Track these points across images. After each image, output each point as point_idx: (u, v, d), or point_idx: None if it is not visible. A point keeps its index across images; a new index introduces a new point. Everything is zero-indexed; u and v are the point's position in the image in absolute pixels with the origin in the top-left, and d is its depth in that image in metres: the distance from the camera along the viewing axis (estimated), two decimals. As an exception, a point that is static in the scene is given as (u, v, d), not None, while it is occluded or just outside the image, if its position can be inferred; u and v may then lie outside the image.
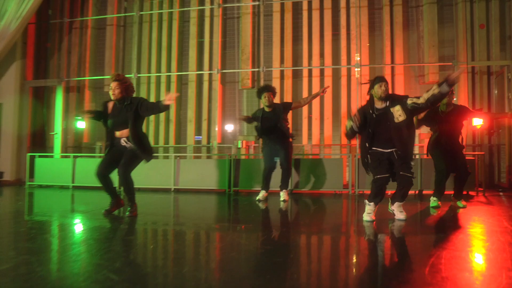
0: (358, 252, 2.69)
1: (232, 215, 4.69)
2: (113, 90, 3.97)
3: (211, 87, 8.33)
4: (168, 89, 8.47)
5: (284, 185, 5.44)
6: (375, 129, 3.75)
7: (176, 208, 5.27)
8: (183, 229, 3.66)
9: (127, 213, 4.05)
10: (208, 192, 6.63)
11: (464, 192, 5.57)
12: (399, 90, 7.57)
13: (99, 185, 4.08)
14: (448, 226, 3.76)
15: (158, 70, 8.54)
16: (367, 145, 3.80)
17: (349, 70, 7.80)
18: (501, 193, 6.26)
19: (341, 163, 6.50)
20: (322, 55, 7.92)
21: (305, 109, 7.83)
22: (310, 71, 7.96)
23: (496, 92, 7.23)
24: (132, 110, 3.93)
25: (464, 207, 4.72)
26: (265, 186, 5.52)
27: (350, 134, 3.91)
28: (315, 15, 7.99)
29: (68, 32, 9.12)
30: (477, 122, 6.80)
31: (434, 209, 4.65)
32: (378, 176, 3.75)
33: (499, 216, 4.12)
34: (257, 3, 8.02)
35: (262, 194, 5.51)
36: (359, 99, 7.28)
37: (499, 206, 4.97)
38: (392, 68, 7.67)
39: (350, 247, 2.90)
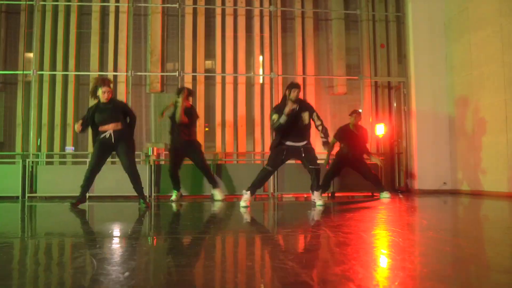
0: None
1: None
2: (106, 94, 5.10)
3: (116, 90, 8.49)
4: (64, 89, 8.38)
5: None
6: (289, 126, 5.25)
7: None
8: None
9: (143, 205, 5.27)
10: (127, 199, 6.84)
11: (369, 194, 7.03)
12: (311, 100, 8.71)
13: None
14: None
15: (53, 67, 8.41)
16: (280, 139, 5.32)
17: (263, 78, 8.74)
18: (400, 195, 7.71)
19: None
20: (235, 60, 8.72)
21: (218, 116, 8.52)
22: (223, 78, 8.69)
23: (395, 104, 8.88)
24: (120, 110, 5.24)
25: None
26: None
27: (278, 127, 5.27)
28: (229, 20, 8.80)
29: None
30: (380, 131, 8.28)
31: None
32: (271, 169, 5.37)
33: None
34: (174, 5, 8.50)
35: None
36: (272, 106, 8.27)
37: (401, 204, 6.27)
38: (304, 79, 8.83)
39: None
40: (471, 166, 7.48)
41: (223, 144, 8.52)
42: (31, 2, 8.27)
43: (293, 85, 5.41)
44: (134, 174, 5.21)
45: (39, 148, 8.17)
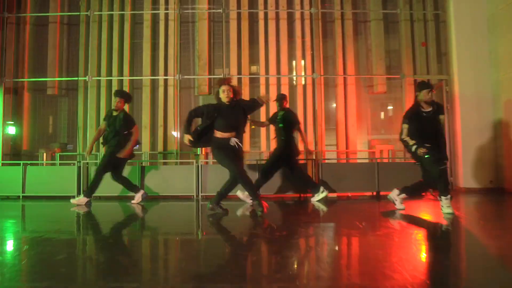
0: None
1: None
2: (226, 93, 4.73)
3: (167, 93, 8.70)
4: (119, 93, 8.64)
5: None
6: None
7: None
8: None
9: (259, 212, 4.78)
10: (176, 199, 7.01)
11: None
12: (351, 99, 8.63)
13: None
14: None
15: (109, 73, 8.69)
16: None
17: (305, 79, 8.70)
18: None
19: (305, 168, 7.30)
20: (278, 63, 8.73)
21: (262, 116, 8.56)
22: (267, 79, 8.72)
23: (435, 102, 8.63)
24: (242, 112, 4.82)
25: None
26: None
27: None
28: (271, 25, 8.80)
29: (2, 27, 8.89)
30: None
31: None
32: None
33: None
34: (219, 10, 8.62)
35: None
36: (316, 107, 8.24)
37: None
38: (345, 79, 8.72)
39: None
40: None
41: (268, 143, 8.55)
42: (85, 13, 8.58)
43: (424, 85, 4.93)
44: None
45: (97, 149, 8.48)
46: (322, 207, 5.78)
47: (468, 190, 7.62)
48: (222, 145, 4.75)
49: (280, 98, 6.67)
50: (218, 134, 4.79)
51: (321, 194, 6.38)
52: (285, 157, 6.35)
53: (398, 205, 5.22)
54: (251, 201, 5.12)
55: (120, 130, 6.07)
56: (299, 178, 6.50)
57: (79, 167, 7.27)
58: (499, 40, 7.66)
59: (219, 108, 4.80)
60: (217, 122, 4.77)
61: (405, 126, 4.96)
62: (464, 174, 7.75)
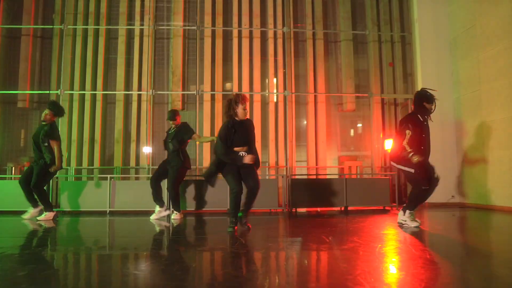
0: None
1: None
2: (246, 110, 4.81)
3: (140, 108, 8.55)
4: (92, 108, 8.45)
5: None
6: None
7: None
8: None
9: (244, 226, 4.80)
10: (148, 213, 6.80)
11: (381, 207, 6.90)
12: (321, 116, 8.69)
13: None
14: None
15: (82, 87, 8.49)
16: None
17: (277, 97, 8.72)
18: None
19: (275, 184, 7.24)
20: (251, 80, 8.73)
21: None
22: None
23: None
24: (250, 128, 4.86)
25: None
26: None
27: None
28: (245, 43, 8.82)
29: (-29, 39, 8.60)
30: (389, 146, 8.17)
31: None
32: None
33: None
34: (193, 28, 8.59)
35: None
36: (287, 124, 8.24)
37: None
38: (315, 97, 8.78)
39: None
40: (479, 180, 7.32)
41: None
42: (59, 27, 8.40)
43: (431, 98, 5.01)
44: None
45: (68, 163, 8.21)
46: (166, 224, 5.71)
47: (432, 205, 7.71)
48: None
49: (171, 116, 6.29)
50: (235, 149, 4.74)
51: (164, 212, 6.15)
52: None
53: (411, 224, 4.91)
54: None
55: (41, 141, 5.88)
56: (155, 191, 6.13)
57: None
58: (460, 62, 7.90)
59: (232, 124, 4.76)
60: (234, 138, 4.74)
61: (408, 132, 4.93)
62: (429, 189, 7.85)
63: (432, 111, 5.00)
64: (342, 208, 7.26)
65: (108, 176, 7.07)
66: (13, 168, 8.05)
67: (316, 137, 8.63)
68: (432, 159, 7.83)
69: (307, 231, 4.80)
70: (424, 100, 5.02)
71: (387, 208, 7.29)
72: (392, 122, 8.89)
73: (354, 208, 7.30)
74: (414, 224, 4.86)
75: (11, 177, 7.78)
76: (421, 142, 4.91)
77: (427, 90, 5.04)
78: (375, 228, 4.86)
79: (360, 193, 7.27)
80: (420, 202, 5.12)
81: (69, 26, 8.41)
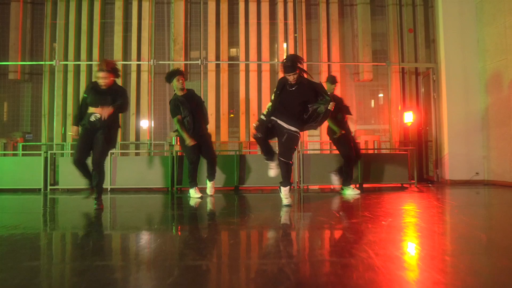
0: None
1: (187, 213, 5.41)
2: (103, 80, 4.75)
3: (140, 79, 8.84)
4: (88, 79, 8.76)
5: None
6: None
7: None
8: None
9: (95, 206, 4.76)
10: (149, 191, 7.19)
11: (399, 184, 7.20)
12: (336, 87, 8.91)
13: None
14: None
15: (77, 57, 8.78)
16: None
17: (287, 66, 8.93)
18: (430, 185, 7.87)
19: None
20: (259, 46, 8.94)
21: (242, 104, 8.77)
22: (247, 65, 8.92)
23: (423, 90, 8.99)
24: (113, 96, 4.78)
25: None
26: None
27: None
28: (252, 7, 8.99)
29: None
30: (408, 119, 8.41)
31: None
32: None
33: (431, 201, 5.48)
34: (195, -10, 8.79)
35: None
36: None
37: (429, 194, 6.43)
38: (329, 66, 8.99)
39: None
40: (505, 156, 7.54)
41: (247, 133, 8.77)
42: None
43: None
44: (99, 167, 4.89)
45: (64, 139, 8.58)
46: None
47: (454, 182, 7.99)
48: None
49: None
50: None
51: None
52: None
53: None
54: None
55: None
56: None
57: (46, 158, 7.37)
58: (486, 28, 8.01)
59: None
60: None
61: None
62: (450, 165, 8.12)
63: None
64: (357, 185, 7.56)
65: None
66: (5, 144, 8.45)
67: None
68: (456, 133, 8.13)
69: (318, 207, 5.13)
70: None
71: (405, 185, 7.58)
72: (412, 93, 9.08)
73: (370, 185, 7.61)
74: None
75: (3, 154, 8.17)
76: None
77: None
78: (388, 204, 5.18)
79: (377, 169, 7.57)
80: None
81: (61, -10, 8.65)
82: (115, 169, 7.30)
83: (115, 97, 4.80)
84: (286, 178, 4.95)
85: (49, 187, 7.32)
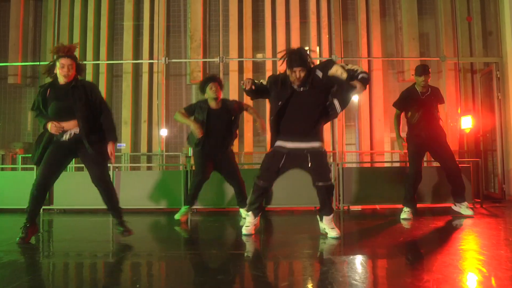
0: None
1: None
2: (66, 69, 3.44)
3: (152, 81, 7.47)
4: (95, 81, 7.44)
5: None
6: None
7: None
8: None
9: (120, 231, 3.72)
10: (157, 212, 5.77)
11: None
12: (377, 88, 7.34)
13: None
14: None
15: (82, 57, 7.47)
16: None
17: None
18: (497, 205, 6.19)
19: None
20: (288, 42, 7.44)
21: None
22: (274, 63, 7.43)
23: (481, 90, 7.28)
24: (83, 95, 3.50)
25: (471, 214, 4.82)
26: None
27: None
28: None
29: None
30: (466, 124, 6.74)
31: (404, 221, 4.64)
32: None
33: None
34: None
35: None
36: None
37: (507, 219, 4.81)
38: (369, 62, 7.43)
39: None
40: None
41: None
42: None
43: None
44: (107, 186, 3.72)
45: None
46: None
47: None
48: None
49: None
50: None
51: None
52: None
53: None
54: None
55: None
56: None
57: (38, 173, 6.00)
58: None
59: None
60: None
61: None
62: (522, 180, 6.43)
63: None
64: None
65: (110, 165, 6.04)
66: (4, 156, 7.19)
67: (370, 114, 7.30)
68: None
69: (366, 236, 3.63)
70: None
71: (469, 205, 5.92)
72: (468, 93, 7.40)
73: (422, 205, 5.99)
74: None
75: (1, 168, 6.92)
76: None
77: None
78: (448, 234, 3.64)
79: (431, 185, 5.93)
80: None
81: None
82: (117, 186, 5.86)
83: (86, 98, 3.50)
84: (329, 204, 3.70)
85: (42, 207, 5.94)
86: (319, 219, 3.82)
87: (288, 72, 3.53)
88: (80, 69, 3.63)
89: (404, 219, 4.75)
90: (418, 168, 4.89)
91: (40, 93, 3.53)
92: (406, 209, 4.86)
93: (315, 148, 3.59)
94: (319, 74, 3.56)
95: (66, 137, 3.48)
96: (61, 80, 3.48)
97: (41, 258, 3.25)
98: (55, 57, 3.53)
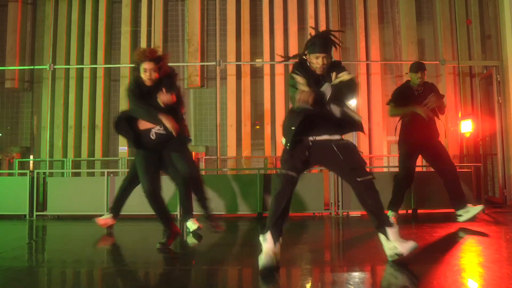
0: None
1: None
2: (149, 74, 3.33)
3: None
4: (92, 86, 7.19)
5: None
6: None
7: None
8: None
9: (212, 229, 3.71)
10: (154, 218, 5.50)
11: None
12: (376, 91, 7.08)
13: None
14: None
15: (80, 61, 7.22)
16: None
17: (319, 68, 7.15)
18: (499, 210, 5.90)
19: (321, 179, 5.73)
20: (286, 46, 7.18)
21: (267, 113, 7.02)
22: (272, 68, 7.17)
23: (480, 95, 7.00)
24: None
25: (480, 210, 4.36)
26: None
27: None
28: (278, 2, 7.26)
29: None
30: (466, 128, 6.48)
31: None
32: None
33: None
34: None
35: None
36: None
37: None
38: (368, 66, 7.17)
39: None
40: None
41: (273, 147, 7.00)
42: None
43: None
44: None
45: (64, 154, 7.02)
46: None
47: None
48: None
49: None
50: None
51: None
52: None
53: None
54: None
55: None
56: None
57: (32, 178, 5.73)
58: None
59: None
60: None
61: None
62: (523, 185, 6.15)
63: None
64: (410, 211, 5.68)
65: (105, 171, 5.77)
66: (1, 160, 6.94)
67: (369, 118, 7.03)
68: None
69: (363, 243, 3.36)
70: None
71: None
72: (467, 97, 7.12)
73: (423, 211, 5.71)
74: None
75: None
76: None
77: None
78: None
79: (431, 191, 5.64)
80: None
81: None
82: (112, 191, 5.56)
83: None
84: (382, 211, 2.92)
85: (35, 213, 5.67)
86: (381, 238, 2.85)
87: (311, 58, 2.88)
88: (163, 70, 3.44)
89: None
90: (409, 169, 4.48)
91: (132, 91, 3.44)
92: (390, 213, 4.46)
93: (337, 140, 2.89)
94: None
95: (153, 135, 3.36)
96: (147, 82, 3.38)
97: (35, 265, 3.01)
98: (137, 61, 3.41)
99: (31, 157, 7.33)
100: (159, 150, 3.45)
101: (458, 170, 5.50)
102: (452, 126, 6.71)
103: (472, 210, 4.36)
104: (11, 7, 7.42)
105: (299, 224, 5.07)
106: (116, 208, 4.36)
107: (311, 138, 2.88)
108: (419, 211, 5.66)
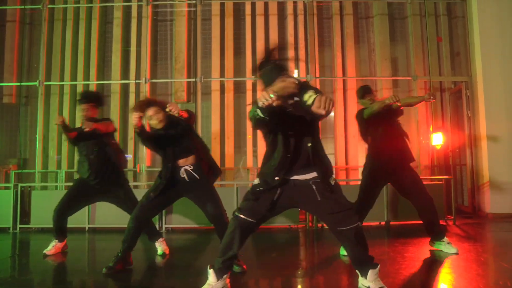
0: None
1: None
2: (155, 119, 3.07)
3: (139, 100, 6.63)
4: (85, 101, 6.60)
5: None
6: None
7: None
8: None
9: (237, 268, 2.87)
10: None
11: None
12: (352, 105, 6.51)
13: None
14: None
15: (74, 78, 6.65)
16: None
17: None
18: (470, 221, 5.33)
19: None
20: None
21: (249, 128, 6.45)
22: (254, 84, 6.61)
23: (450, 109, 6.45)
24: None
25: (454, 252, 3.45)
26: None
27: None
28: (260, 22, 6.71)
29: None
30: (437, 141, 5.91)
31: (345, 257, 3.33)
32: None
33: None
34: (193, 1, 6.53)
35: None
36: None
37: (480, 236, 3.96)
38: (344, 82, 6.61)
39: None
40: None
41: (255, 160, 6.43)
42: (37, 6, 6.51)
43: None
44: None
45: (59, 166, 6.45)
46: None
47: (496, 216, 5.45)
48: None
49: None
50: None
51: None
52: None
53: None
54: None
55: None
56: None
57: (16, 192, 5.13)
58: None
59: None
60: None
61: None
62: (491, 196, 5.57)
63: None
64: (383, 223, 5.12)
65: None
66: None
67: (345, 131, 6.48)
68: (497, 158, 5.62)
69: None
70: None
71: (441, 222, 5.07)
72: (438, 111, 6.57)
73: (397, 223, 5.14)
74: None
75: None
76: None
77: None
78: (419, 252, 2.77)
79: (405, 203, 5.07)
80: None
81: (49, 6, 6.52)
82: (93, 204, 4.98)
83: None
84: (366, 257, 2.32)
85: (18, 225, 5.07)
86: (359, 273, 2.37)
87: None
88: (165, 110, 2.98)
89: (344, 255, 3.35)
90: (368, 202, 3.59)
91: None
92: None
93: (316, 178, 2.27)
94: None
95: (182, 174, 3.10)
96: (157, 126, 3.08)
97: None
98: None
99: (15, 169, 6.72)
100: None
101: (430, 183, 4.97)
102: (423, 139, 6.14)
103: (448, 248, 3.52)
104: (9, 26, 6.85)
105: (279, 236, 4.51)
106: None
107: (290, 178, 2.26)
108: (391, 223, 5.09)
